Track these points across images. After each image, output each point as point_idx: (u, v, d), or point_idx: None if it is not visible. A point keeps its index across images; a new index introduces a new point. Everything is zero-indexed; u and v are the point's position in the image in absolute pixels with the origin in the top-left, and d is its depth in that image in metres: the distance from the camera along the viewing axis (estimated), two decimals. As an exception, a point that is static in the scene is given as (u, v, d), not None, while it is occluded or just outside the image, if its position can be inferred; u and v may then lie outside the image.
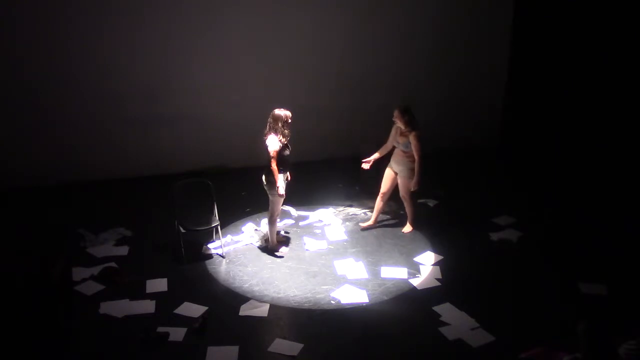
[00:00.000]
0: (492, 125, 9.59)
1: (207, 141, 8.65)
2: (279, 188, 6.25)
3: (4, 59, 7.72)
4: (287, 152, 6.35)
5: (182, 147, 8.60)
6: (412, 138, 6.53)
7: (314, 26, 8.65)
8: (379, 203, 7.09)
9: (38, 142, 8.09)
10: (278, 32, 8.54)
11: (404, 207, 7.10)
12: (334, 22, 8.71)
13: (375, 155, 6.90)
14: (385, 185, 6.97)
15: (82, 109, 8.15)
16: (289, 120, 6.28)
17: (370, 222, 7.20)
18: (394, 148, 6.83)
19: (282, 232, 7.07)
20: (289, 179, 6.53)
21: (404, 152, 6.67)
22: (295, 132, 6.49)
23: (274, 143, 6.22)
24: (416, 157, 6.58)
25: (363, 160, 6.90)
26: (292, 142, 6.44)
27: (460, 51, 9.16)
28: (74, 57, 7.95)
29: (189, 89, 8.45)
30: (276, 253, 6.69)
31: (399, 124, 6.62)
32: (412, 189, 6.74)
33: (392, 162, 6.87)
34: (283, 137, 6.26)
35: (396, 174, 6.84)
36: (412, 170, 6.64)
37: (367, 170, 6.93)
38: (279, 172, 6.23)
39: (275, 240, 6.72)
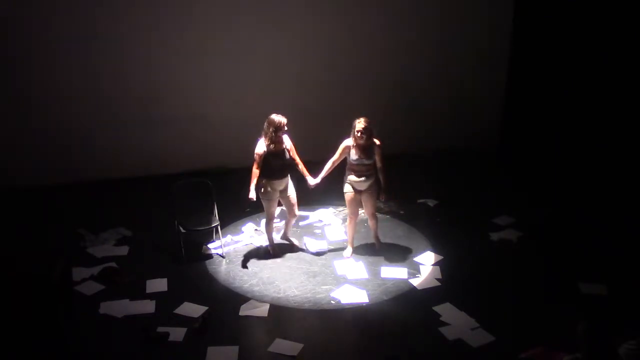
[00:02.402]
0: (492, 125, 9.56)
1: (207, 141, 8.65)
2: (250, 191, 6.18)
3: (4, 59, 7.72)
4: (273, 159, 6.21)
5: (182, 147, 8.59)
6: (378, 148, 6.29)
7: (315, 28, 8.64)
8: (350, 228, 6.64)
9: (38, 142, 8.09)
10: (279, 32, 8.53)
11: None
12: (335, 25, 8.69)
13: (325, 174, 6.45)
14: (355, 209, 6.49)
15: (82, 109, 8.15)
16: (284, 127, 6.18)
17: (350, 250, 6.73)
18: (337, 167, 6.47)
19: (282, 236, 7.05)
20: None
21: (366, 165, 6.33)
22: (295, 132, 6.50)
23: (258, 146, 6.21)
24: (382, 166, 6.35)
25: (314, 181, 6.43)
26: (294, 143, 6.43)
27: (460, 52, 9.14)
28: (74, 58, 7.95)
29: (189, 89, 8.45)
30: (271, 252, 6.69)
31: (363, 139, 6.21)
32: (382, 199, 6.50)
33: (354, 183, 6.38)
34: (272, 142, 6.21)
35: (360, 192, 6.41)
36: (378, 181, 6.41)
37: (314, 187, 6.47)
38: (261, 175, 6.21)
39: (272, 240, 6.72)
